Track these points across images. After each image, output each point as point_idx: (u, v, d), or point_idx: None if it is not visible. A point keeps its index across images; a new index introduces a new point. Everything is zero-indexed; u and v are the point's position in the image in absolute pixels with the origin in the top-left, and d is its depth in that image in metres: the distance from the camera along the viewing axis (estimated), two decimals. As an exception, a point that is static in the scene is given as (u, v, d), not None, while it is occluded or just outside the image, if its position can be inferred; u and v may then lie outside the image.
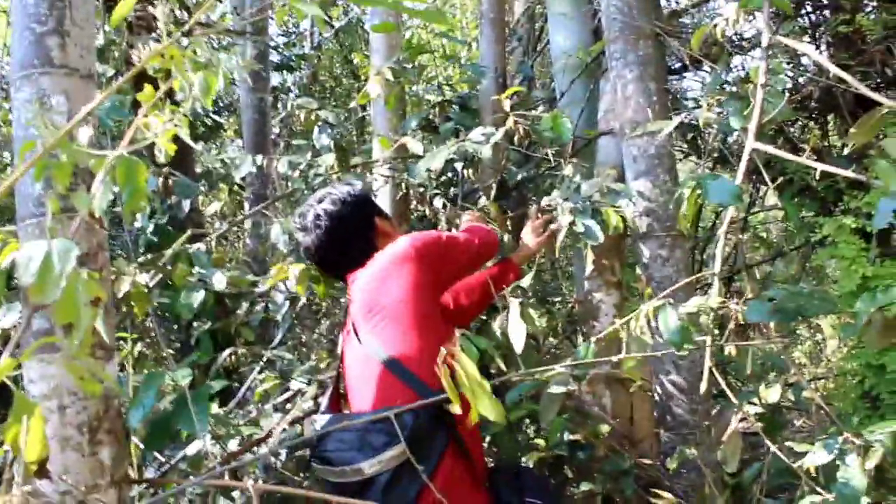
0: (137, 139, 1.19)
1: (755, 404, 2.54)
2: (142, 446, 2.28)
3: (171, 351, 3.19)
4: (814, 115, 4.50)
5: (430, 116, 3.79)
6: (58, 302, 0.84)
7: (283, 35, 10.98)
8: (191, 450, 2.30)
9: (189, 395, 2.09)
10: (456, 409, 1.52)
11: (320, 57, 11.22)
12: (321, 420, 2.24)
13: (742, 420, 2.48)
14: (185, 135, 1.20)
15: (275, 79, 9.78)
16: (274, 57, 8.85)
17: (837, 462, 2.22)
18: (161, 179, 3.16)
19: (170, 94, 1.38)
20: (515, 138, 3.34)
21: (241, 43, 5.32)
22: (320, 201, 2.42)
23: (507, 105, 3.16)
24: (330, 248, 2.38)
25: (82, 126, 1.19)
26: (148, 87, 1.18)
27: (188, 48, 1.43)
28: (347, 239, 2.37)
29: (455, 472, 2.06)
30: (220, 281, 2.70)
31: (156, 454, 2.47)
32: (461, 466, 2.09)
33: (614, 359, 2.29)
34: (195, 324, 3.35)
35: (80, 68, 2.18)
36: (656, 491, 2.63)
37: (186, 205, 3.33)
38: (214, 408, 2.38)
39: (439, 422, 2.02)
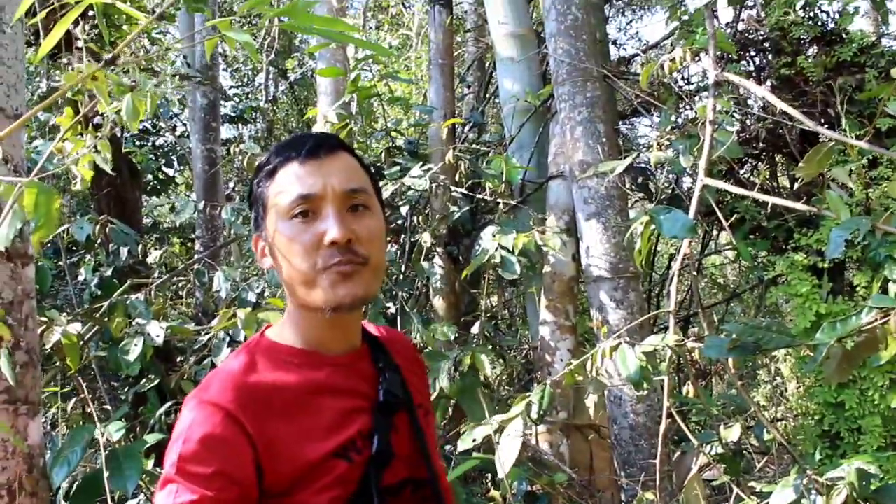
0: (50, 167, 1.11)
1: (717, 444, 2.48)
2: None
3: (108, 407, 3.03)
4: (761, 156, 4.54)
5: (378, 163, 3.74)
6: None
7: (237, 87, 10.96)
8: (124, 511, 2.16)
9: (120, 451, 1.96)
10: None
11: (275, 110, 11.21)
12: None
13: (706, 465, 2.41)
14: (104, 162, 1.11)
15: (230, 132, 9.73)
16: (228, 110, 8.81)
17: (802, 502, 2.16)
18: (99, 227, 3.04)
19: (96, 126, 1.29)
20: (457, 176, 3.29)
21: (191, 90, 5.24)
22: None
23: (444, 133, 3.11)
24: None
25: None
26: (67, 111, 1.10)
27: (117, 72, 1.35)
28: None
29: None
30: (156, 332, 2.56)
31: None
32: None
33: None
34: (143, 380, 3.21)
35: (7, 108, 2.09)
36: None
37: (124, 252, 3.21)
38: (150, 464, 2.24)
39: None
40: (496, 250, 2.98)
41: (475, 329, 2.95)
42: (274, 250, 1.29)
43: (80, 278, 3.85)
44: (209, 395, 1.20)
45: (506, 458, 2.21)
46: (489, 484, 2.65)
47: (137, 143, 7.06)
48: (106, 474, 2.02)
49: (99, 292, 3.73)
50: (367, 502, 1.24)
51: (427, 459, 1.38)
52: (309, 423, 1.23)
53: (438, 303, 4.19)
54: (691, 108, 4.24)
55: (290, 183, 1.27)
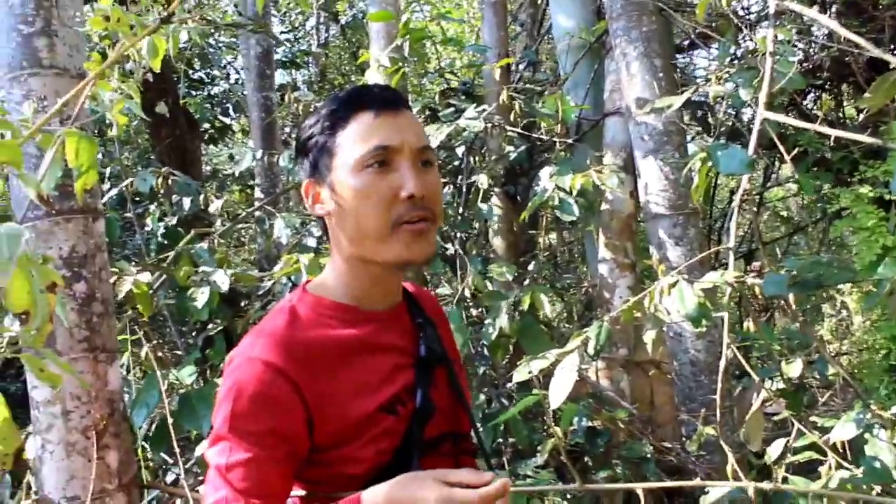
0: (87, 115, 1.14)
1: (778, 379, 2.47)
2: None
3: (179, 352, 3.15)
4: (826, 86, 4.41)
5: (433, 105, 3.73)
6: (8, 288, 0.79)
7: (288, 32, 10.96)
8: (199, 450, 2.26)
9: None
10: None
11: (328, 54, 11.19)
12: None
13: (768, 400, 2.41)
14: (136, 106, 1.14)
15: (283, 77, 9.75)
16: (280, 56, 8.83)
17: (865, 436, 2.15)
18: (161, 179, 3.12)
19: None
20: (512, 116, 3.26)
21: (244, 38, 5.27)
22: None
23: (497, 74, 3.08)
24: None
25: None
26: (94, 56, 1.13)
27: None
28: None
29: None
30: (222, 280, 2.64)
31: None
32: None
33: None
34: (210, 325, 3.32)
35: (70, 68, 2.14)
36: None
37: (187, 203, 3.29)
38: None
39: None
40: (553, 191, 2.97)
41: (532, 267, 2.96)
42: (340, 199, 1.28)
43: (147, 229, 3.96)
44: (257, 352, 1.21)
45: (559, 390, 2.23)
46: (550, 420, 2.69)
47: (193, 93, 7.16)
48: (171, 421, 2.12)
49: (165, 242, 3.85)
50: (409, 455, 1.27)
51: (468, 413, 1.42)
52: (357, 379, 1.26)
53: (497, 243, 4.21)
54: (751, 39, 4.12)
55: (366, 133, 1.26)
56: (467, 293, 2.92)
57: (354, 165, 1.25)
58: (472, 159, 3.66)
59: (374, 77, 3.29)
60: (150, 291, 2.66)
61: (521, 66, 4.76)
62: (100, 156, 5.06)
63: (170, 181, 3.16)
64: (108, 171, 4.34)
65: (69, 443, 2.04)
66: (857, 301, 6.70)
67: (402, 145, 1.25)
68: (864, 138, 2.26)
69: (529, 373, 2.30)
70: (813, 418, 2.49)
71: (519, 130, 3.59)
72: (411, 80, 3.47)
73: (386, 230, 1.24)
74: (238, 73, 8.71)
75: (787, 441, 2.25)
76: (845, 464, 2.12)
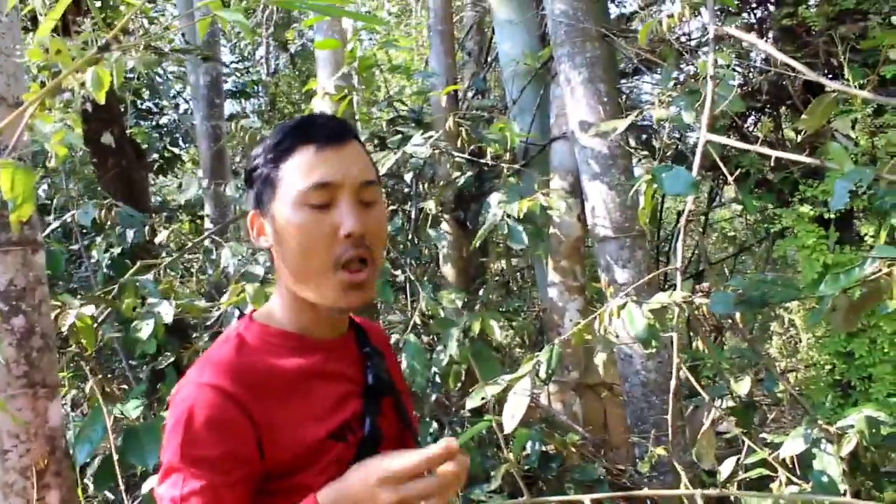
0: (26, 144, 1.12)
1: (728, 398, 2.50)
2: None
3: (125, 386, 3.08)
4: (765, 109, 4.51)
5: (381, 133, 3.73)
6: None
7: (238, 62, 10.90)
8: (146, 487, 2.20)
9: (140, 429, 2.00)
10: None
11: (277, 83, 11.15)
12: None
13: (719, 419, 2.43)
14: (76, 137, 1.12)
15: (233, 107, 9.69)
16: (230, 85, 8.77)
17: (813, 451, 2.19)
18: (105, 211, 3.06)
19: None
20: (459, 142, 3.29)
21: (192, 67, 5.22)
22: None
23: (444, 101, 3.10)
24: None
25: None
26: (33, 86, 1.11)
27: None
28: None
29: None
30: (166, 311, 2.58)
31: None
32: None
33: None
34: (160, 357, 3.25)
35: (8, 97, 2.10)
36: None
37: (130, 234, 3.23)
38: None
39: None
40: (502, 220, 2.98)
41: (482, 293, 2.97)
42: (280, 234, 1.26)
43: (93, 261, 3.88)
44: (206, 378, 1.19)
45: (512, 415, 2.23)
46: (503, 445, 2.68)
47: (141, 122, 7.06)
48: (116, 457, 2.07)
49: (112, 274, 3.77)
50: None
51: (416, 442, 1.42)
52: (305, 407, 1.25)
53: (447, 269, 4.20)
54: (692, 64, 4.21)
55: (307, 168, 1.24)
56: (418, 320, 2.91)
57: (294, 200, 1.23)
58: (420, 186, 3.66)
59: (320, 105, 3.28)
60: (95, 325, 2.60)
61: (469, 94, 4.80)
62: (45, 187, 4.96)
63: (113, 212, 3.10)
64: (54, 202, 4.24)
65: (7, 484, 1.98)
66: (803, 319, 6.83)
67: (344, 181, 1.23)
68: (804, 158, 2.32)
69: (483, 399, 2.30)
70: (763, 435, 2.53)
71: (467, 156, 3.61)
72: (360, 108, 3.47)
73: (326, 269, 1.22)
74: (187, 102, 8.63)
75: (739, 458, 2.27)
76: (795, 479, 2.15)
